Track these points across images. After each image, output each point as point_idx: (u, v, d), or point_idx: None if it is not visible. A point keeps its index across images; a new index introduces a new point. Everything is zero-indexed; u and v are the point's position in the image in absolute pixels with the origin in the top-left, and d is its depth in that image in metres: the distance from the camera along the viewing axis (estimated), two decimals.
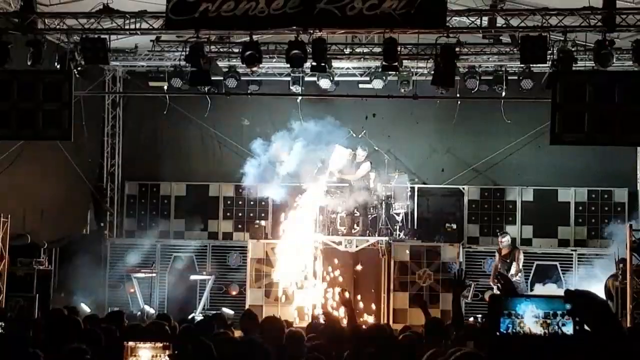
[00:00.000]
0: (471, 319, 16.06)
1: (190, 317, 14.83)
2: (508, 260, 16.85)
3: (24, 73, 14.36)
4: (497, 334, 3.47)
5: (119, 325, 8.75)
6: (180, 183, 20.37)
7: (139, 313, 17.27)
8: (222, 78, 17.78)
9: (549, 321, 3.41)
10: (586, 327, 3.39)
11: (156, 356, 5.46)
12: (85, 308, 16.58)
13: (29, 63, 14.43)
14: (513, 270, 16.59)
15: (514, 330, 3.43)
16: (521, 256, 16.95)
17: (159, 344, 5.54)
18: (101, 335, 7.47)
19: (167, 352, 5.49)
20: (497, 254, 17.13)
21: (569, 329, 3.42)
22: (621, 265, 15.60)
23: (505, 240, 16.97)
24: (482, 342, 6.28)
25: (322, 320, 8.74)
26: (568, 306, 3.44)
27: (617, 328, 3.35)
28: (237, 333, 9.54)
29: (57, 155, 17.52)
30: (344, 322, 8.17)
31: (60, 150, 17.37)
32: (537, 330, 3.43)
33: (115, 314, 9.71)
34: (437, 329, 7.93)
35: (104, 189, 20.15)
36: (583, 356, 3.46)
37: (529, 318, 3.45)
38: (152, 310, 17.33)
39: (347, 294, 7.37)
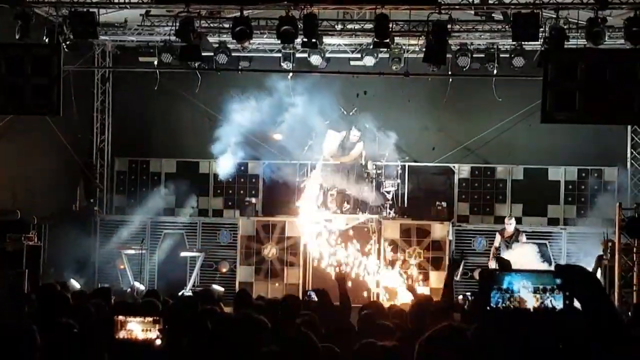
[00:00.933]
0: (460, 297, 16.13)
1: (180, 293, 14.83)
2: (510, 241, 16.83)
3: (11, 47, 14.22)
4: (488, 308, 3.45)
5: (107, 301, 8.72)
6: (171, 160, 20.30)
7: (129, 290, 17.26)
8: (212, 54, 17.66)
9: (539, 296, 3.39)
10: (576, 302, 3.38)
11: (146, 330, 5.43)
12: (75, 284, 16.55)
13: (17, 36, 14.31)
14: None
15: (505, 305, 3.42)
16: (524, 238, 16.94)
17: (149, 318, 5.51)
18: (91, 310, 7.44)
19: (158, 327, 5.45)
20: (498, 236, 17.09)
21: (559, 304, 3.41)
22: (610, 244, 15.66)
23: (512, 223, 16.99)
24: (471, 316, 6.28)
25: (314, 298, 8.71)
26: (558, 281, 3.42)
27: (606, 303, 3.34)
28: (227, 310, 9.55)
29: (46, 131, 17.40)
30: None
31: (49, 126, 17.24)
32: (528, 304, 3.41)
33: (103, 290, 9.68)
34: (424, 307, 7.94)
35: (94, 165, 20.06)
36: (573, 331, 3.45)
37: (520, 293, 3.43)
38: (142, 287, 17.32)
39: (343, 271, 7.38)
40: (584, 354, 3.28)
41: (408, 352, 4.33)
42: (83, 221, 18.85)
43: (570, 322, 3.39)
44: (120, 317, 5.37)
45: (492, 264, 16.65)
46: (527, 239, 17.16)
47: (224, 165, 18.96)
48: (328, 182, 17.84)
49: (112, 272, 18.42)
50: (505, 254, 16.23)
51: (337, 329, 7.22)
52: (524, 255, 16.27)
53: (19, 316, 7.35)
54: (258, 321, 5.89)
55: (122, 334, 5.32)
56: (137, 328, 5.33)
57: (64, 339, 6.03)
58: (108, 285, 12.44)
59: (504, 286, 3.44)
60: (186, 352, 5.25)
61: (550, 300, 3.34)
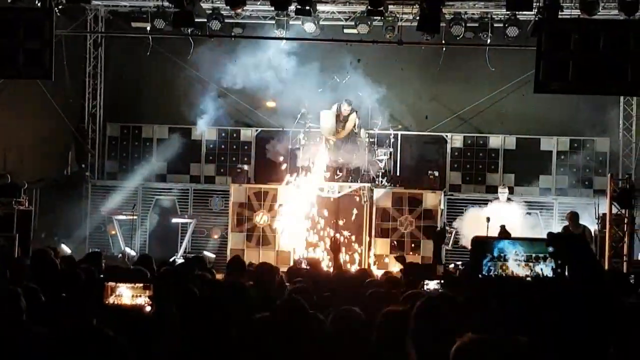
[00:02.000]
0: (451, 265, 16.21)
1: (171, 260, 14.85)
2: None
3: (3, 10, 14.10)
4: (480, 276, 3.47)
5: (97, 266, 8.74)
6: (163, 126, 20.25)
7: (120, 255, 17.29)
8: (205, 20, 17.56)
9: (531, 264, 3.41)
10: (567, 270, 3.40)
11: (136, 296, 5.45)
12: (66, 249, 16.56)
13: (9, 0, 14.19)
14: None
15: (496, 273, 3.43)
16: None
17: (139, 285, 5.52)
18: (81, 275, 7.45)
19: (148, 293, 5.46)
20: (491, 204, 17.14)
21: (550, 272, 3.43)
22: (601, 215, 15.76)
23: (505, 192, 17.02)
24: (461, 284, 6.32)
25: (304, 265, 8.75)
26: (550, 249, 3.44)
27: (597, 270, 3.36)
28: (219, 276, 9.58)
29: (38, 95, 17.33)
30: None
31: (40, 90, 17.16)
32: (520, 272, 3.43)
33: (94, 255, 9.69)
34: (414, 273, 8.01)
35: (85, 130, 19.99)
36: (564, 298, 3.48)
37: (512, 261, 3.44)
38: (132, 252, 17.36)
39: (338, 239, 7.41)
40: (573, 321, 3.30)
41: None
42: (74, 186, 18.84)
43: (560, 289, 3.41)
44: (111, 283, 5.37)
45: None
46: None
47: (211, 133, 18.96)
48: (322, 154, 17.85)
49: (103, 237, 18.45)
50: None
51: (328, 297, 7.27)
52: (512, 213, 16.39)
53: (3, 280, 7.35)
54: (247, 288, 5.92)
55: (111, 300, 5.33)
56: (126, 294, 5.34)
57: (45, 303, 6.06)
58: (99, 250, 12.40)
59: (496, 254, 3.45)
60: (175, 318, 5.26)
61: (541, 269, 3.36)
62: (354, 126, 17.90)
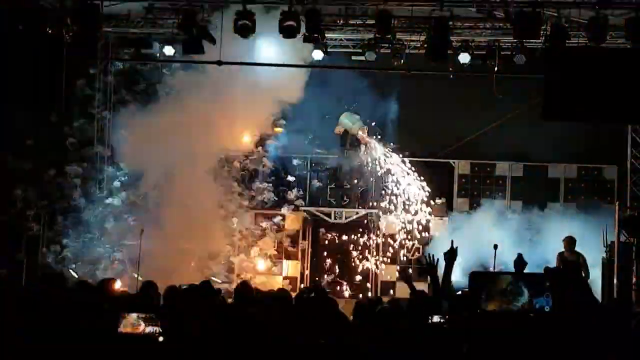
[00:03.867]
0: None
1: (178, 285, 14.84)
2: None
3: (15, 36, 14.24)
4: (478, 310, 3.50)
5: (108, 293, 8.77)
6: None
7: (127, 280, 17.28)
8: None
9: (529, 298, 3.43)
10: (564, 303, 3.43)
11: (148, 324, 5.48)
12: (72, 274, 16.58)
13: (20, 28, 14.32)
14: None
15: (496, 307, 3.46)
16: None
17: (150, 315, 5.55)
18: (91, 302, 7.46)
19: (160, 322, 5.50)
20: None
21: (548, 306, 3.45)
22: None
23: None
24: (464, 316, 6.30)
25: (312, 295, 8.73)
26: (547, 283, 3.48)
27: (593, 303, 3.40)
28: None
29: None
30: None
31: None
32: (517, 307, 3.45)
33: (104, 282, 9.68)
34: (421, 303, 7.96)
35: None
36: (561, 330, 3.50)
37: (511, 295, 3.47)
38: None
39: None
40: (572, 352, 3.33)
41: None
42: (82, 211, 18.87)
43: (558, 322, 3.43)
44: (124, 313, 5.41)
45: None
46: None
47: None
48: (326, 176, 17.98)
49: (109, 262, 18.44)
50: None
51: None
52: None
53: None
54: (252, 317, 5.92)
55: (124, 328, 5.36)
56: (140, 322, 5.36)
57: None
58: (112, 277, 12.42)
59: (497, 287, 3.48)
60: (187, 347, 5.28)
61: (540, 302, 3.39)
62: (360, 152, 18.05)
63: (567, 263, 14.84)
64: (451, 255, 5.83)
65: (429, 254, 6.16)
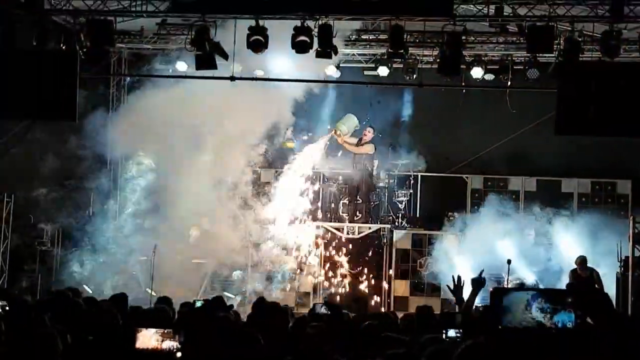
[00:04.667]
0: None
1: (192, 301, 14.83)
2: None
3: (29, 53, 14.33)
4: (499, 327, 3.48)
5: (123, 309, 8.77)
6: None
7: (140, 295, 17.27)
8: (227, 62, 17.68)
9: (551, 314, 3.41)
10: (588, 320, 3.41)
11: (164, 340, 5.46)
12: (87, 289, 16.59)
13: (34, 43, 14.40)
14: None
15: (517, 324, 3.44)
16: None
17: (167, 330, 5.54)
18: (107, 318, 7.45)
19: (177, 338, 5.48)
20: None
21: (570, 322, 3.43)
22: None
23: (532, 234, 17.05)
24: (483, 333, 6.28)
25: (324, 310, 8.71)
26: (570, 299, 3.46)
27: (617, 319, 3.37)
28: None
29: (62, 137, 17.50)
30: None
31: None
32: (539, 323, 3.43)
33: (119, 297, 9.70)
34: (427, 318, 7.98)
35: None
36: (585, 348, 3.48)
37: (532, 311, 3.45)
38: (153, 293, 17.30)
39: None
40: None
41: None
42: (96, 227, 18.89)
43: (582, 339, 3.41)
44: (140, 328, 5.40)
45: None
46: None
47: None
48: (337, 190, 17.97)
49: (122, 278, 18.43)
50: None
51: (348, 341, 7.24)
52: None
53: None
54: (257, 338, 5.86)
55: (142, 344, 5.35)
56: (157, 338, 5.35)
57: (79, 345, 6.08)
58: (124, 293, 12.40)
59: (519, 304, 3.46)
60: None
61: (562, 319, 3.37)
62: (371, 164, 18.06)
63: (581, 279, 14.82)
64: (478, 283, 5.84)
65: (458, 276, 6.19)
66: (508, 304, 3.58)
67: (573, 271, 15.49)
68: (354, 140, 18.32)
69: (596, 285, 15.15)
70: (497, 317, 3.52)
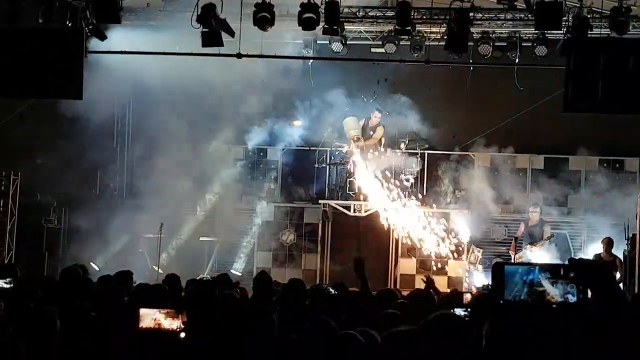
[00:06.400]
0: (473, 289, 16.09)
1: (198, 278, 14.87)
2: (534, 230, 16.79)
3: (35, 30, 14.29)
4: (502, 301, 3.46)
5: (127, 286, 8.77)
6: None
7: (147, 273, 17.31)
8: (233, 39, 17.61)
9: (553, 289, 3.39)
10: (589, 295, 3.38)
11: (169, 319, 5.44)
12: (94, 267, 16.64)
13: (40, 20, 14.36)
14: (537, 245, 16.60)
15: (519, 298, 3.42)
16: (548, 230, 16.90)
17: (171, 310, 5.52)
18: (112, 296, 7.46)
19: (181, 318, 5.45)
20: (522, 225, 17.08)
21: (573, 297, 3.41)
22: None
23: (537, 211, 17.00)
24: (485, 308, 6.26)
25: (331, 292, 8.69)
26: (572, 274, 3.43)
27: (619, 294, 3.34)
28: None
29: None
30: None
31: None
32: (541, 297, 3.41)
33: (124, 274, 9.69)
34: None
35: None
36: (587, 322, 3.45)
37: (535, 285, 3.43)
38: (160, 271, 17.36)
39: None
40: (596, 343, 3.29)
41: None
42: (103, 204, 18.93)
43: (584, 313, 3.39)
44: (144, 307, 5.38)
45: (512, 254, 16.63)
46: (550, 229, 17.10)
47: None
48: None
49: (130, 255, 18.48)
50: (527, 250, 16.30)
51: (356, 316, 7.24)
52: (542, 258, 16.30)
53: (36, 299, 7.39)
54: (267, 314, 5.84)
55: (145, 323, 5.33)
56: (160, 317, 5.33)
57: (82, 322, 6.07)
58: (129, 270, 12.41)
59: (526, 278, 3.44)
60: (209, 344, 5.22)
61: (565, 293, 3.35)
62: (381, 142, 17.98)
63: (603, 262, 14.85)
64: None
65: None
66: (509, 278, 3.55)
67: (597, 255, 15.58)
68: (368, 137, 18.19)
69: (617, 273, 15.20)
70: (499, 291, 3.51)
